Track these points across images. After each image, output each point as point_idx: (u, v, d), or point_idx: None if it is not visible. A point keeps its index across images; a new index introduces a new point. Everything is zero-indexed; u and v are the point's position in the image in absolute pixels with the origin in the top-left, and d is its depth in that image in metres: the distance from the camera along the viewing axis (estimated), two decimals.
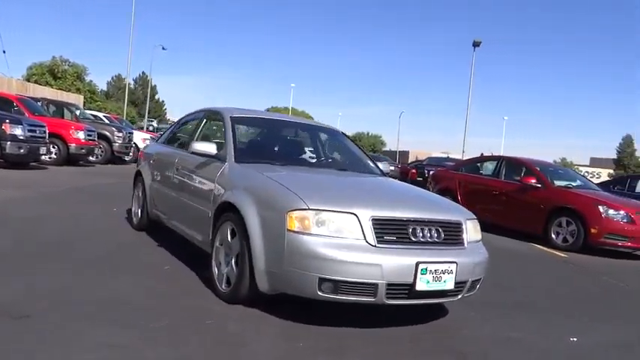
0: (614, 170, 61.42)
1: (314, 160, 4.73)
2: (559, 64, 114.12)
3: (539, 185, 8.79)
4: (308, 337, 3.08)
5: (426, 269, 3.14)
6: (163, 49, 39.37)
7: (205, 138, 4.89)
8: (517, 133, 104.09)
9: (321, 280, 3.04)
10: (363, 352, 3.01)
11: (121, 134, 16.17)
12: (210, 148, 4.18)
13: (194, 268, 4.30)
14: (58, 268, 3.98)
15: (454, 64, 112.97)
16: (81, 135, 13.58)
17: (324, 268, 3.03)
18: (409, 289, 3.14)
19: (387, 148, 70.42)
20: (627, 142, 64.56)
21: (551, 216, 8.38)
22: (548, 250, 8.03)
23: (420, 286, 3.14)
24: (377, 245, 3.12)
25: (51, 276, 3.76)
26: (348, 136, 5.21)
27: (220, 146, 4.32)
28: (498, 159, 10.23)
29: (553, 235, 8.31)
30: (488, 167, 10.20)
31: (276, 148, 4.71)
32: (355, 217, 3.15)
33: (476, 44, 27.24)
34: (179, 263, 4.45)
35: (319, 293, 3.08)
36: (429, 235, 3.30)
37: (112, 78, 58.28)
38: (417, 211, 3.45)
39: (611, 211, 7.98)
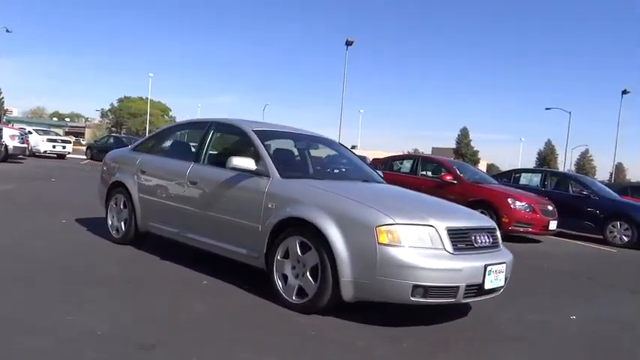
0: (454, 159, 68.62)
1: (338, 172, 5.02)
2: (407, 62, 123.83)
3: (455, 181, 9.93)
4: (403, 338, 3.44)
5: (491, 270, 3.70)
6: (8, 31, 35.06)
7: (215, 150, 4.91)
8: (371, 125, 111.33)
9: (415, 287, 3.43)
10: (460, 343, 3.48)
11: None
12: (249, 163, 4.25)
13: (228, 280, 4.38)
14: (105, 290, 3.84)
15: (318, 58, 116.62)
16: None
17: (417, 275, 3.43)
18: (478, 288, 3.67)
19: None
20: (464, 134, 72.36)
21: None
22: None
23: (487, 285, 3.69)
24: (454, 253, 3.59)
25: (112, 300, 3.64)
26: (344, 146, 5.56)
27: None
28: (414, 158, 11.27)
29: None
30: (406, 165, 11.17)
31: (306, 162, 4.91)
32: (434, 228, 3.59)
33: (348, 43, 28.74)
34: (210, 277, 4.46)
35: (411, 298, 3.46)
36: (484, 240, 3.85)
37: None
38: (472, 220, 4.01)
39: (517, 203, 9.34)
